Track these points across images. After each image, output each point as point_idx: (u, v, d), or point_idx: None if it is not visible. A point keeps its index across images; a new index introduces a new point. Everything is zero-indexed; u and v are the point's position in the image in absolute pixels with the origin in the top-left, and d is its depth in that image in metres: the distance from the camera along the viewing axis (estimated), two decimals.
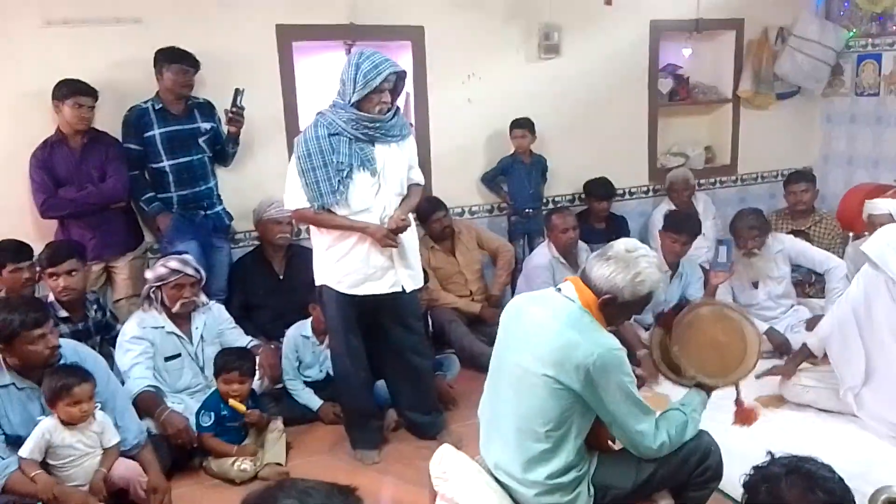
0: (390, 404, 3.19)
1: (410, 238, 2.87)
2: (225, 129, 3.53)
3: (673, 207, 4.61)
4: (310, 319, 3.33)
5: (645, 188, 4.93)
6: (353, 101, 2.66)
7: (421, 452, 2.39)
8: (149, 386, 2.88)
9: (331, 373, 3.30)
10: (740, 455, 2.13)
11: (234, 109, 3.44)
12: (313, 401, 3.28)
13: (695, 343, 1.93)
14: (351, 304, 2.83)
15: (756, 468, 1.32)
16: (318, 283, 2.88)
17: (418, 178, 2.94)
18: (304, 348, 3.32)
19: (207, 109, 3.53)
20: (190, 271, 3.02)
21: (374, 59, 2.63)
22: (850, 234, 4.31)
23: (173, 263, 3.01)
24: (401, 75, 2.72)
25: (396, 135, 2.78)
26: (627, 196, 4.85)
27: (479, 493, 1.86)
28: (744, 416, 2.01)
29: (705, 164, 5.14)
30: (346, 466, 2.91)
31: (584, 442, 1.89)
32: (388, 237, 2.71)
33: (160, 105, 3.39)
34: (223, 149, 3.58)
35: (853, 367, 3.01)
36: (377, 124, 2.70)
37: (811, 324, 3.80)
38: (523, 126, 4.24)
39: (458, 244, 4.10)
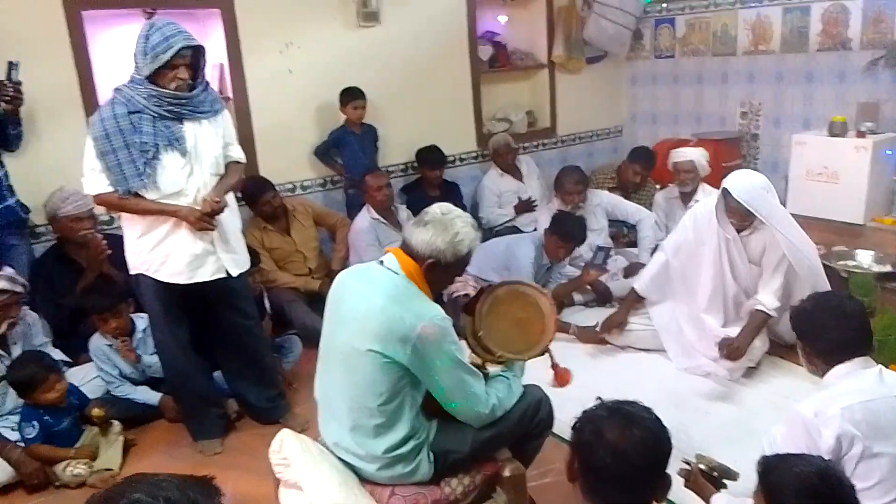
0: (229, 394, 3.06)
1: (231, 220, 2.70)
2: (1, 107, 3.08)
3: (500, 172, 4.77)
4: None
5: (474, 154, 5.05)
6: (146, 75, 2.43)
7: (265, 440, 2.29)
8: None
9: None
10: (569, 399, 2.31)
11: (8, 84, 3.01)
12: (151, 396, 3.08)
13: (498, 324, 2.02)
14: (172, 293, 2.65)
15: (584, 412, 1.40)
16: (132, 271, 2.67)
17: (237, 154, 2.77)
18: (114, 356, 3.08)
19: None
20: (19, 289, 2.76)
21: (165, 31, 2.39)
22: (657, 186, 4.72)
23: (2, 283, 2.70)
24: (199, 49, 2.49)
25: (207, 110, 2.58)
26: (458, 162, 4.95)
27: (322, 475, 1.82)
28: (560, 378, 2.17)
29: (528, 127, 5.37)
30: (186, 465, 2.76)
31: (420, 410, 1.90)
32: (202, 220, 2.53)
33: None
34: (4, 131, 3.14)
35: (664, 307, 3.33)
36: (183, 100, 2.49)
37: (629, 271, 4.14)
38: (361, 97, 4.17)
39: (294, 222, 3.96)
